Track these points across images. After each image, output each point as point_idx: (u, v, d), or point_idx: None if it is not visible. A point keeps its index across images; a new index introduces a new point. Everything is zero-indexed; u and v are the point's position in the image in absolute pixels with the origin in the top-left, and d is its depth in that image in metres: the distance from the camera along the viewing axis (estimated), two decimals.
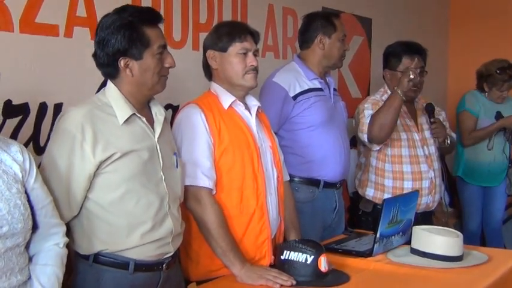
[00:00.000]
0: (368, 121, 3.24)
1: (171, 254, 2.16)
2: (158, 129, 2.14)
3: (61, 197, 1.97)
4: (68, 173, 1.99)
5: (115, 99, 2.06)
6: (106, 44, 2.03)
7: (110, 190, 2.02)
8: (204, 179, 2.33)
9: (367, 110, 3.32)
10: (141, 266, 2.07)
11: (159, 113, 2.18)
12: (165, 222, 2.11)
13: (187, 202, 2.35)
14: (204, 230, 2.33)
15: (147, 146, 2.09)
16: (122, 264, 2.05)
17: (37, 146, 2.47)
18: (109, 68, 2.07)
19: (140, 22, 2.03)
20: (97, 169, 2.00)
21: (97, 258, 2.05)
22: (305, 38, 3.18)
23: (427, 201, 3.38)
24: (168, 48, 3.06)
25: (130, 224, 2.04)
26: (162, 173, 2.11)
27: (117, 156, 2.00)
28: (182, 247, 2.44)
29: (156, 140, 2.12)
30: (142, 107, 2.14)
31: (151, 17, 2.08)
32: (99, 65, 2.10)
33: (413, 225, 2.70)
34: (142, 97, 2.12)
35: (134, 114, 2.07)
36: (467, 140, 4.45)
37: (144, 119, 2.10)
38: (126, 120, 2.05)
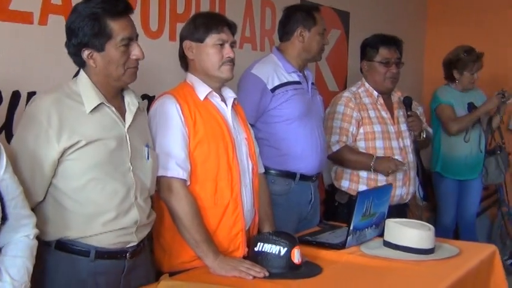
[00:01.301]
0: (335, 144, 3.37)
1: (136, 243, 2.16)
2: (129, 119, 2.13)
3: (26, 182, 1.97)
4: (32, 158, 1.98)
5: (84, 88, 2.06)
6: (71, 33, 2.04)
7: (74, 177, 2.02)
8: (178, 170, 2.32)
9: (336, 120, 3.40)
10: (103, 254, 2.07)
11: (131, 103, 2.17)
12: (130, 213, 2.10)
13: (161, 193, 2.34)
14: (178, 221, 2.33)
15: (115, 136, 2.08)
16: (82, 251, 2.05)
17: (9, 134, 2.45)
18: (76, 58, 2.08)
19: (104, 13, 2.01)
20: (61, 156, 1.99)
21: (59, 244, 2.05)
22: (285, 30, 3.18)
23: (401, 192, 3.42)
24: (145, 38, 3.08)
25: (94, 212, 2.04)
26: (130, 163, 2.11)
27: (82, 144, 2.00)
28: (155, 238, 2.44)
29: (125, 129, 2.11)
30: (113, 96, 2.13)
31: (117, 8, 2.04)
32: (68, 53, 2.09)
33: (387, 218, 2.72)
34: (110, 87, 2.11)
35: (103, 103, 2.06)
36: (453, 126, 4.41)
37: (113, 109, 2.09)
38: (95, 108, 2.04)
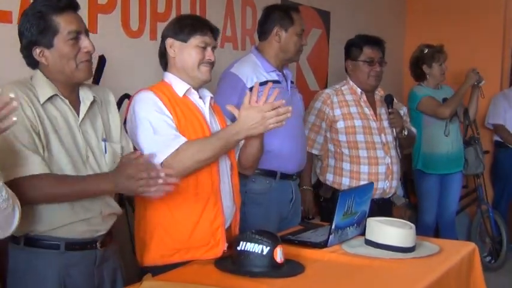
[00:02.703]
0: (318, 139, 3.48)
1: (104, 232, 2.16)
2: (83, 111, 2.13)
3: None
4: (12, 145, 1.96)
5: (39, 82, 2.07)
6: (20, 36, 2.06)
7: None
8: (178, 140, 2.30)
9: (310, 119, 3.51)
10: (73, 245, 2.07)
11: (86, 97, 2.17)
12: (92, 205, 2.10)
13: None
14: (199, 161, 2.31)
15: (68, 129, 2.08)
16: (52, 244, 2.05)
17: None
18: (29, 59, 2.08)
19: (48, 10, 2.02)
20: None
21: (27, 240, 2.04)
22: (263, 29, 3.20)
23: (383, 186, 3.46)
24: (126, 37, 3.07)
25: (53, 206, 2.03)
26: (85, 157, 2.10)
27: (40, 134, 1.99)
28: (136, 234, 2.43)
29: (78, 123, 2.11)
30: (68, 92, 2.12)
31: (60, 3, 2.04)
32: (23, 57, 2.10)
33: (371, 214, 2.74)
34: (65, 84, 2.10)
35: (57, 95, 2.07)
36: (444, 110, 4.43)
37: (67, 101, 2.09)
38: (49, 100, 2.05)
